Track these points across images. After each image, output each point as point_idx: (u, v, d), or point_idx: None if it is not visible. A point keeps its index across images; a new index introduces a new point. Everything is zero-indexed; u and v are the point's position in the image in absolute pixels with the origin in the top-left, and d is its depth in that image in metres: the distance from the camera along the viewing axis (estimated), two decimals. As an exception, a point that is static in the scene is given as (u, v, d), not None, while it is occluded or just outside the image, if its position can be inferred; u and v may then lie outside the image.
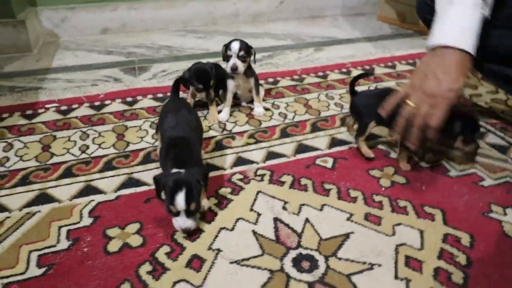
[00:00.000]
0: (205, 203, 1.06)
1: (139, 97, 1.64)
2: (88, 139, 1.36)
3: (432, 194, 1.11)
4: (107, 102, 1.60)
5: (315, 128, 1.43)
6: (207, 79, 1.45)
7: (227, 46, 1.43)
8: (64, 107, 1.55)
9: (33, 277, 0.87)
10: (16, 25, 2.02)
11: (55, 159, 1.26)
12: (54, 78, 1.82)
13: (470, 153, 1.19)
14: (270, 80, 1.80)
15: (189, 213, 0.94)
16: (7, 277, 0.87)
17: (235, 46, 1.41)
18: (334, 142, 1.35)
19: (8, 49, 2.05)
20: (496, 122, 1.47)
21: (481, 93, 1.70)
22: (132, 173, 1.20)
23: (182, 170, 0.96)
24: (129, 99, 1.62)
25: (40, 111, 1.53)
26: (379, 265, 0.90)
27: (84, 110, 1.54)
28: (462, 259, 0.92)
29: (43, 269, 0.89)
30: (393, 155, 1.28)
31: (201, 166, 1.07)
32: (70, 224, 1.01)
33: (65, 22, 2.29)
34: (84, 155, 1.28)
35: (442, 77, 0.95)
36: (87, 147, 1.32)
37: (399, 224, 1.01)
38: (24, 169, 1.21)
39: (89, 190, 1.13)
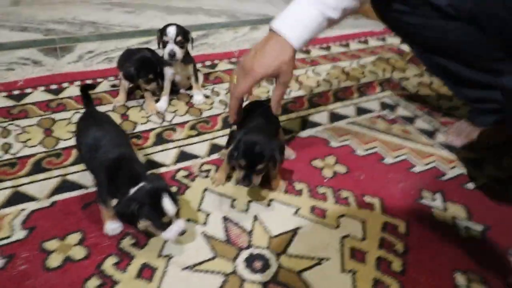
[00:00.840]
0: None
1: (64, 84, 1.50)
2: (10, 136, 1.23)
3: (370, 183, 1.17)
4: (28, 90, 1.45)
5: (257, 117, 1.42)
6: (154, 68, 1.37)
7: (162, 31, 1.35)
8: (-24, 98, 1.38)
9: (-36, 305, 0.79)
10: None
11: (-28, 162, 1.13)
12: (-40, 61, 1.60)
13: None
14: (208, 63, 1.75)
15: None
16: None
17: (172, 31, 1.33)
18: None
19: None
20: (423, 107, 1.57)
21: (408, 76, 1.80)
22: (66, 174, 1.11)
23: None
24: (53, 86, 1.48)
25: None
26: (327, 259, 0.94)
27: (1, 101, 1.38)
28: (400, 246, 0.99)
29: (-26, 295, 0.81)
30: (334, 143, 1.32)
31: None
32: (2, 239, 0.92)
33: (-34, -9, 2.00)
34: (7, 156, 1.16)
35: (258, 56, 0.97)
36: (10, 146, 1.20)
37: (342, 216, 1.06)
38: None
39: (18, 197, 1.03)
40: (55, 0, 2.20)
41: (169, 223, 0.87)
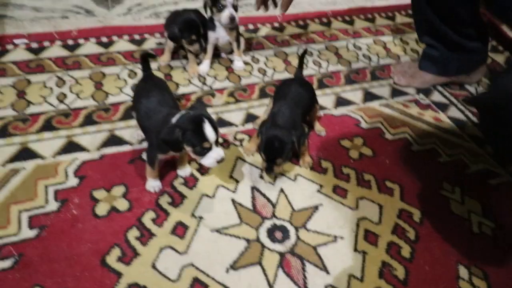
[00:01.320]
0: (187, 171, 1.13)
1: (114, 38, 1.58)
2: (65, 86, 1.34)
3: (394, 169, 1.23)
4: (80, 41, 1.53)
5: (293, 89, 1.47)
6: (198, 29, 1.40)
7: None
8: (35, 44, 1.48)
9: (27, 239, 0.94)
10: None
11: (32, 109, 1.25)
12: (20, 4, 1.69)
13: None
14: (250, 27, 1.77)
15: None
16: (2, 237, 0.93)
17: None
18: (310, 107, 1.41)
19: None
20: (461, 93, 1.56)
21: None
22: (114, 129, 1.22)
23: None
24: (104, 39, 1.56)
25: (8, 47, 1.45)
26: (342, 238, 1.03)
27: (57, 50, 1.47)
28: (412, 234, 1.07)
29: (35, 231, 0.95)
30: (364, 125, 1.36)
31: None
32: (56, 184, 1.05)
33: None
34: (62, 106, 1.27)
35: None
36: (65, 96, 1.31)
37: (362, 198, 1.13)
38: (1, 118, 1.20)
39: (72, 146, 1.15)
40: None
41: (209, 150, 0.94)
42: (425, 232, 1.08)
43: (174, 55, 1.53)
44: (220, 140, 1.21)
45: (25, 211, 0.98)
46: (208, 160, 0.94)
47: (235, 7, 1.35)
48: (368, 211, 1.10)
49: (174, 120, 0.94)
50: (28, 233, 0.94)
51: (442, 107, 1.49)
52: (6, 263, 0.89)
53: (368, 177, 1.19)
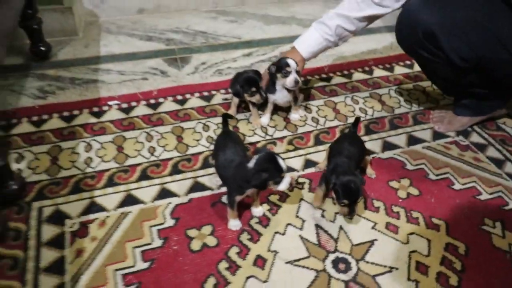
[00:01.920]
0: (261, 211, 1.35)
1: (187, 95, 1.86)
2: (153, 140, 1.62)
3: (439, 206, 1.40)
4: (160, 100, 1.82)
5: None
6: (257, 83, 1.63)
7: (282, 64, 1.56)
8: (124, 105, 1.78)
9: (142, 269, 1.18)
10: (64, 11, 2.17)
11: (130, 161, 1.52)
12: (107, 69, 2.02)
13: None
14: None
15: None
16: (123, 268, 1.18)
17: (293, 63, 1.56)
18: (360, 151, 1.61)
19: (57, 33, 2.20)
20: (497, 134, 1.72)
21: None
22: (196, 176, 1.47)
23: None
24: (179, 97, 1.85)
25: (104, 108, 1.76)
26: (396, 269, 1.22)
27: (142, 109, 1.77)
28: (458, 265, 1.23)
29: (148, 263, 1.19)
30: (409, 167, 1.55)
31: None
32: (157, 224, 1.30)
33: (104, 3, 2.42)
34: (153, 158, 1.54)
35: None
36: (154, 149, 1.58)
37: (412, 234, 1.32)
38: (107, 170, 1.48)
39: (165, 193, 1.41)
40: (171, 8, 2.56)
41: (282, 178, 1.18)
42: (470, 263, 1.24)
43: (239, 108, 1.78)
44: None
45: (137, 247, 1.24)
46: (283, 185, 1.19)
47: (298, 72, 1.58)
48: (418, 245, 1.28)
49: (251, 165, 1.19)
50: (142, 265, 1.19)
51: (481, 147, 1.66)
52: (129, 290, 1.14)
53: (416, 215, 1.37)
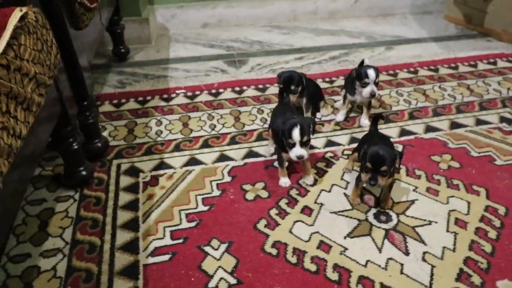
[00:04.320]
0: (310, 179, 1.47)
1: (244, 87, 2.08)
2: (214, 119, 1.83)
3: (480, 177, 1.47)
4: (221, 90, 2.06)
5: (387, 121, 1.81)
6: (297, 82, 1.68)
7: (361, 73, 1.65)
8: (189, 93, 2.03)
9: (202, 211, 1.35)
10: (141, 22, 2.52)
11: (194, 134, 1.74)
12: (175, 68, 2.31)
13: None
14: (349, 76, 2.18)
15: (302, 144, 1.32)
16: (187, 209, 1.36)
17: (372, 73, 1.63)
18: (403, 133, 1.72)
19: (134, 40, 2.55)
20: (542, 123, 1.77)
21: (533, 96, 1.98)
22: (251, 147, 1.65)
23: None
24: (237, 88, 2.07)
25: (172, 95, 2.02)
26: (436, 222, 1.30)
27: (205, 96, 2.01)
28: (497, 223, 1.29)
29: (207, 207, 1.37)
30: (451, 145, 1.63)
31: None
32: (217, 180, 1.48)
33: (174, 18, 2.77)
34: (214, 132, 1.75)
35: None
36: (215, 126, 1.79)
37: (452, 196, 1.39)
38: (175, 139, 1.70)
39: (224, 157, 1.60)
40: (231, 24, 2.86)
41: (294, 145, 1.32)
42: (509, 222, 1.29)
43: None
44: (330, 154, 1.58)
45: (199, 195, 1.42)
46: (291, 153, 1.33)
47: (376, 84, 1.65)
48: (457, 206, 1.36)
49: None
50: (203, 207, 1.36)
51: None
52: (192, 224, 1.30)
53: (457, 182, 1.45)
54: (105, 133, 1.73)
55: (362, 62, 1.82)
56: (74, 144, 1.34)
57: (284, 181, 1.46)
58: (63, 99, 1.24)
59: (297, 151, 1.32)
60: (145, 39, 2.59)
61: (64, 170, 1.42)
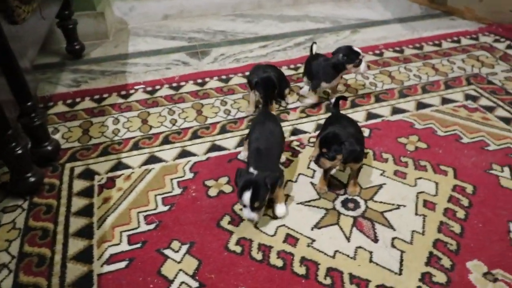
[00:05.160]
0: (282, 210, 1.25)
1: (207, 79, 2.00)
2: (175, 114, 1.75)
3: (447, 156, 1.45)
4: (182, 83, 1.97)
5: (354, 105, 1.76)
6: (275, 89, 1.63)
7: (352, 54, 1.64)
8: (149, 88, 1.94)
9: (162, 211, 1.28)
10: (96, 16, 2.40)
11: (154, 130, 1.65)
12: (134, 62, 2.21)
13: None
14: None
15: (253, 209, 1.14)
16: (145, 211, 1.28)
17: (359, 50, 1.66)
18: (370, 116, 1.68)
19: (90, 36, 2.43)
20: (506, 98, 1.76)
21: (496, 72, 1.97)
22: (214, 141, 1.58)
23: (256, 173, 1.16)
24: (199, 80, 1.99)
25: (131, 91, 1.92)
26: (404, 206, 1.26)
27: (166, 91, 1.92)
28: (465, 202, 1.26)
29: (168, 206, 1.29)
30: (418, 126, 1.60)
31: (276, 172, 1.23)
32: (178, 177, 1.41)
33: (132, 11, 2.66)
34: (174, 127, 1.67)
35: None
36: (176, 120, 1.71)
37: (420, 178, 1.36)
38: (133, 138, 1.61)
39: (185, 153, 1.52)
40: (193, 14, 2.76)
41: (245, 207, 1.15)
42: (477, 200, 1.27)
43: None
44: (296, 143, 1.52)
45: (159, 195, 1.34)
46: (243, 213, 1.17)
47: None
48: (425, 187, 1.33)
49: (247, 176, 1.17)
50: (163, 208, 1.29)
51: (489, 109, 1.69)
52: (151, 226, 1.23)
53: (424, 163, 1.42)
54: (57, 136, 1.62)
55: (312, 48, 1.84)
56: (17, 149, 1.24)
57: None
58: (-1, 101, 1.13)
59: (246, 215, 1.17)
60: (102, 34, 2.46)
61: (10, 178, 1.32)
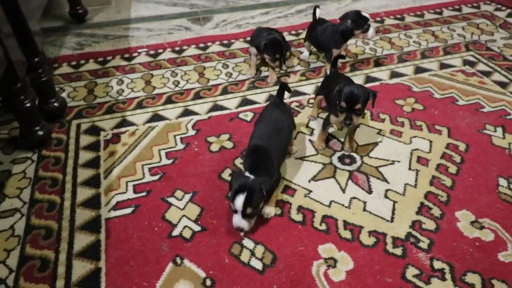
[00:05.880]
0: (271, 210, 1.16)
1: (209, 43, 2.02)
2: (177, 76, 1.78)
3: (442, 117, 1.49)
4: (184, 47, 2.00)
5: (353, 69, 1.79)
6: (282, 50, 1.67)
7: (360, 20, 1.63)
8: (152, 52, 1.96)
9: (166, 164, 1.33)
10: (98, -19, 2.40)
11: (157, 91, 1.69)
12: (137, 27, 2.22)
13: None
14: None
15: (244, 215, 1.04)
16: (150, 164, 1.33)
17: (367, 14, 1.64)
18: (368, 79, 1.72)
19: (93, 1, 2.43)
20: (503, 63, 1.79)
21: (495, 39, 1.99)
22: (216, 101, 1.62)
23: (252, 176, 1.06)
24: (201, 45, 2.01)
25: (134, 54, 1.95)
26: (398, 161, 1.31)
27: (168, 54, 1.94)
28: (458, 158, 1.31)
29: (171, 160, 1.34)
30: (415, 89, 1.64)
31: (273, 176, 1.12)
32: (181, 134, 1.45)
33: (134, -24, 2.64)
34: (177, 88, 1.70)
35: None
36: (178, 82, 1.74)
37: (415, 137, 1.41)
38: (137, 97, 1.65)
39: (188, 112, 1.56)
40: (194, -19, 2.75)
41: (236, 212, 1.05)
42: (469, 157, 1.32)
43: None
44: (297, 104, 1.55)
45: (163, 149, 1.39)
46: (233, 219, 1.06)
47: None
48: (420, 145, 1.37)
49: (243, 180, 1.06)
50: (166, 161, 1.34)
51: (487, 74, 1.72)
52: (155, 177, 1.28)
53: (420, 123, 1.46)
54: (63, 95, 1.66)
55: (314, 12, 1.84)
56: (26, 102, 1.28)
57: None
58: (8, 54, 1.17)
59: (236, 222, 1.06)
60: (104, -1, 2.47)
61: (19, 131, 1.36)
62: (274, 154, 1.14)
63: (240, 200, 1.02)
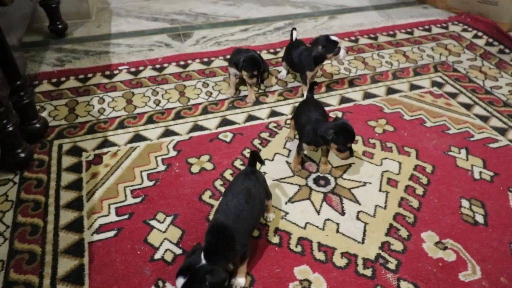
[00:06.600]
0: (241, 281, 1.09)
1: (189, 61, 2.07)
2: (158, 95, 1.82)
3: (411, 138, 1.58)
4: (165, 65, 2.03)
5: (328, 89, 1.87)
6: (260, 67, 1.75)
7: (330, 44, 1.72)
8: (133, 69, 1.99)
9: (148, 186, 1.37)
10: (78, -4, 2.41)
11: (138, 110, 1.72)
12: (117, 43, 2.25)
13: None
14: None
15: None
16: (132, 186, 1.37)
17: (337, 38, 1.74)
18: (343, 100, 1.80)
19: (72, 16, 2.44)
20: (468, 85, 1.90)
21: (462, 60, 2.11)
22: (196, 121, 1.67)
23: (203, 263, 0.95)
24: (182, 62, 2.06)
25: (115, 72, 1.97)
26: (370, 183, 1.39)
27: (149, 72, 1.98)
28: (424, 180, 1.40)
29: (153, 182, 1.38)
30: (386, 110, 1.73)
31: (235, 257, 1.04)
32: (162, 155, 1.50)
33: (114, -10, 2.67)
34: (158, 108, 1.74)
35: None
36: (159, 101, 1.78)
37: (385, 158, 1.49)
38: (118, 117, 1.68)
39: (169, 132, 1.61)
40: (175, -5, 2.80)
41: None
42: (435, 179, 1.41)
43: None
44: (274, 124, 1.62)
45: (144, 171, 1.43)
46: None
47: None
48: (390, 167, 1.46)
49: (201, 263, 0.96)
50: (148, 183, 1.38)
51: (453, 95, 1.83)
52: (137, 200, 1.32)
53: (390, 145, 1.55)
54: (44, 114, 1.68)
55: (292, 35, 1.92)
56: (8, 126, 1.30)
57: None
58: (-9, 80, 1.19)
59: None
60: (85, 13, 2.48)
61: (0, 154, 1.38)
62: (239, 233, 1.03)
63: (179, 284, 0.94)
